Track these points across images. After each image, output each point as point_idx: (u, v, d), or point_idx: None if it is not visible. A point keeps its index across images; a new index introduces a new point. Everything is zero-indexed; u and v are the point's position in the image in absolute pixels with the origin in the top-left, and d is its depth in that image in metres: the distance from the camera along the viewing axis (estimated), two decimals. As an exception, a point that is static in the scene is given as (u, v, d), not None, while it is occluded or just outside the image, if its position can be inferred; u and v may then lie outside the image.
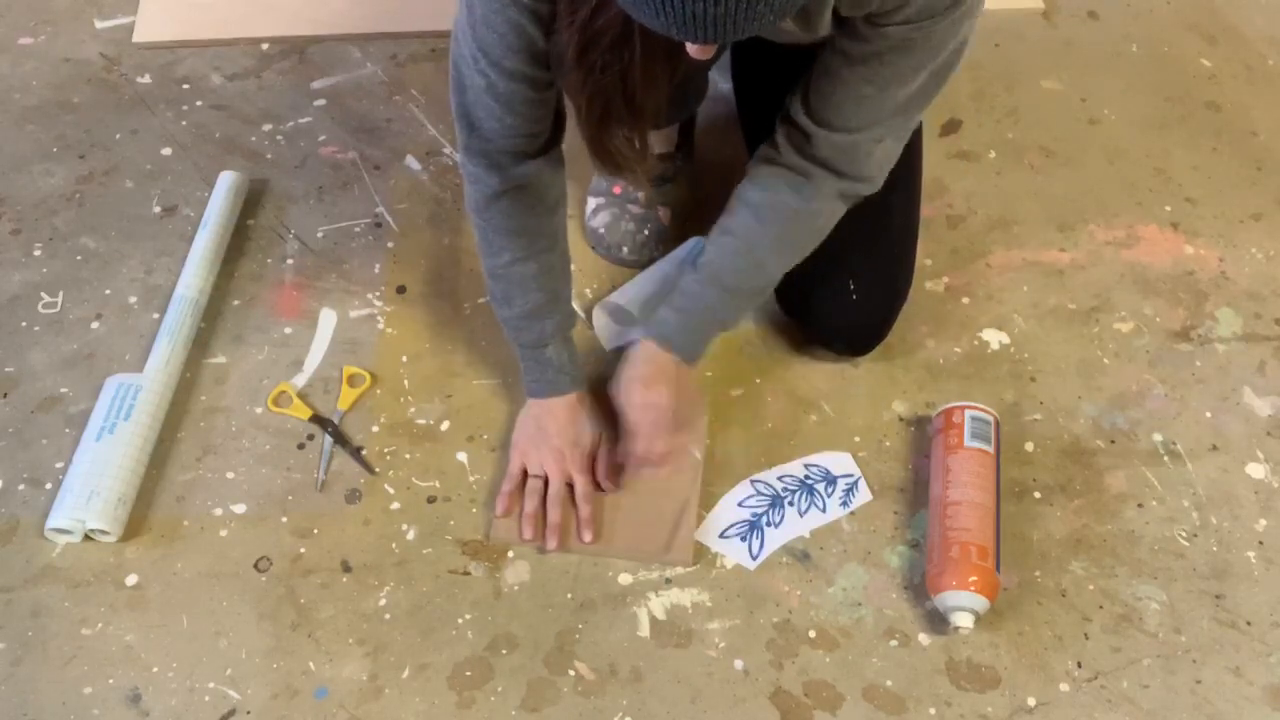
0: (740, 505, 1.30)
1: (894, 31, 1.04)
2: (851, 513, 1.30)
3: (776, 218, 1.21)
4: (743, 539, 1.28)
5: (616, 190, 1.51)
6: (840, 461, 1.34)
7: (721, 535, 1.28)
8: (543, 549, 1.25)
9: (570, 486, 1.29)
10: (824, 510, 1.30)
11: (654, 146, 1.10)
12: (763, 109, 1.42)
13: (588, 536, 1.25)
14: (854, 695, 1.18)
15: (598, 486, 1.29)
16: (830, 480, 1.33)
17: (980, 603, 1.18)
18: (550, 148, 1.21)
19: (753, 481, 1.32)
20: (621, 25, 0.93)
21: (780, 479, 1.33)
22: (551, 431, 1.28)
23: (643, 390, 1.24)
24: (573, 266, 1.33)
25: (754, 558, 1.27)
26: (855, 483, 1.32)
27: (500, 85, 1.10)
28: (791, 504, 1.31)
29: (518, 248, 1.24)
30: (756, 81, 1.44)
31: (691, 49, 0.88)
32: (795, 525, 1.29)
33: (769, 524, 1.29)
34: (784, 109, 1.19)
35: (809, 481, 1.33)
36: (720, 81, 1.64)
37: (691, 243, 1.49)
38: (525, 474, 1.29)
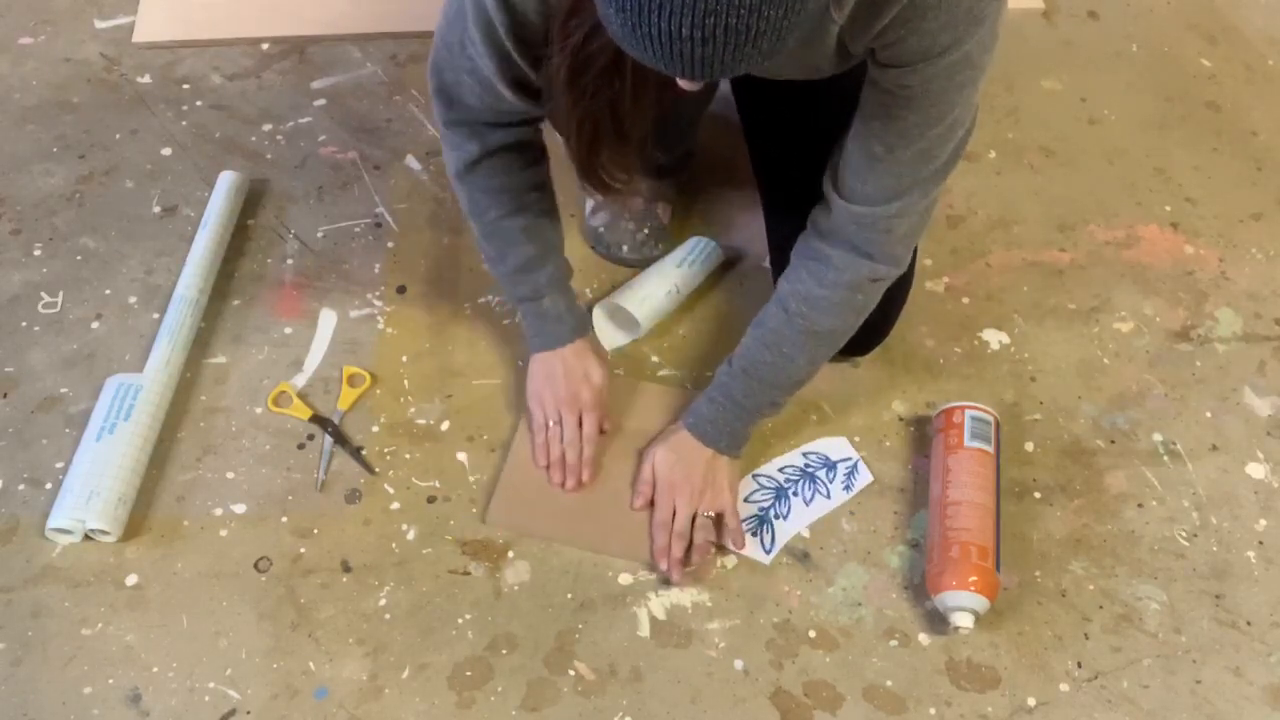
0: (746, 501, 1.31)
1: (893, 75, 1.02)
2: (852, 513, 1.30)
3: (801, 309, 1.21)
4: (754, 534, 1.28)
5: (616, 188, 1.51)
6: (837, 446, 1.35)
7: None
8: (564, 488, 1.28)
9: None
10: (829, 496, 1.31)
11: (640, 174, 1.10)
12: (768, 130, 1.42)
13: (585, 475, 1.27)
14: (854, 695, 1.18)
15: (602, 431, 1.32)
16: (830, 466, 1.33)
17: (980, 603, 1.18)
18: (531, 119, 1.20)
19: (755, 476, 1.33)
20: (614, 52, 0.93)
21: (781, 470, 1.33)
22: (559, 375, 1.30)
23: (661, 462, 1.29)
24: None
25: (767, 552, 1.27)
26: (855, 465, 1.33)
27: (485, 69, 1.10)
28: (796, 494, 1.31)
29: (503, 204, 1.24)
30: (762, 111, 1.43)
31: (681, 82, 0.88)
32: (803, 515, 1.29)
33: (777, 516, 1.29)
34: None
35: (809, 469, 1.33)
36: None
37: (691, 242, 1.49)
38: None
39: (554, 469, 1.29)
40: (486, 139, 1.19)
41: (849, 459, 1.34)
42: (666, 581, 1.24)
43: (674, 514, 1.25)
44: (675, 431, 1.30)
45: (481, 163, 1.21)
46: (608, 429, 1.32)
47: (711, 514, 1.26)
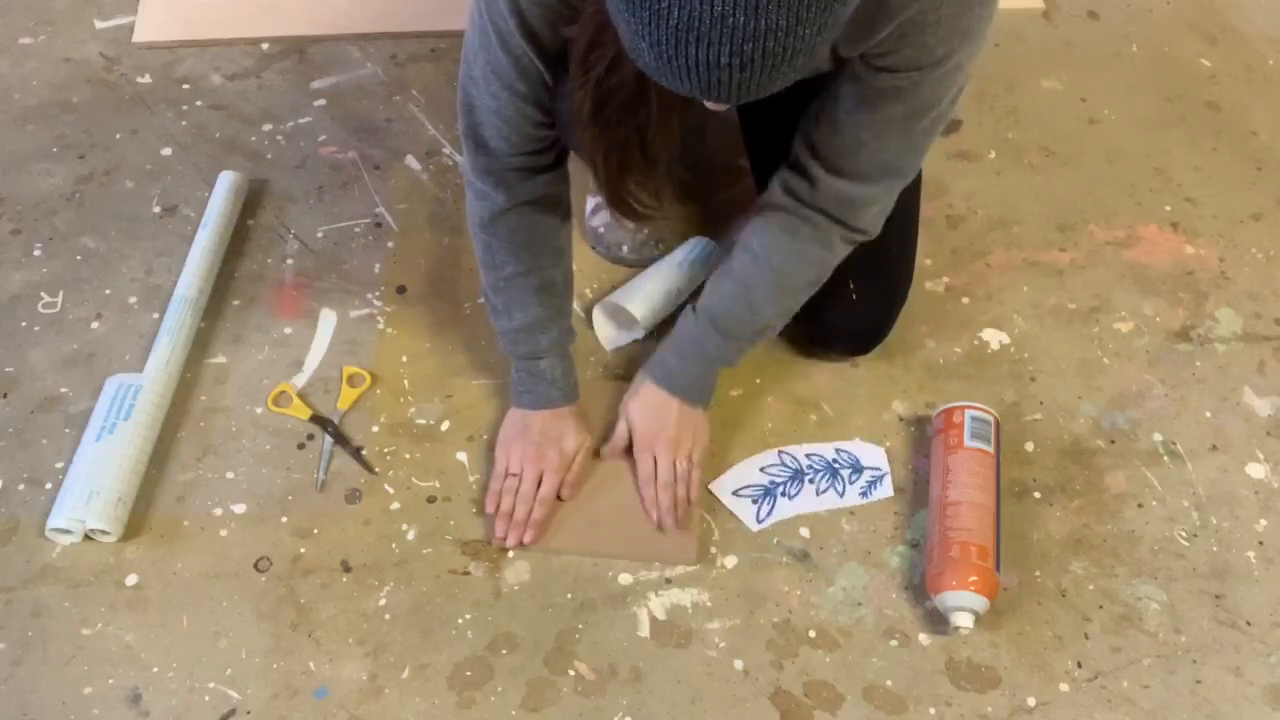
0: (761, 470, 1.32)
1: (885, 78, 1.04)
2: (852, 513, 1.30)
3: (774, 262, 1.22)
4: (754, 501, 1.29)
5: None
6: (872, 454, 1.35)
7: (735, 493, 1.29)
8: (502, 545, 1.25)
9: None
10: (842, 495, 1.31)
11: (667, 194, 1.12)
12: (767, 130, 1.42)
13: (528, 537, 1.25)
14: (854, 695, 1.18)
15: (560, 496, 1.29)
16: (857, 469, 1.33)
17: (980, 603, 1.18)
18: (558, 164, 1.21)
19: (780, 452, 1.34)
20: (636, 81, 0.93)
21: (808, 455, 1.34)
22: (534, 431, 1.29)
23: (636, 417, 1.29)
24: (573, 266, 1.33)
25: (759, 521, 1.28)
26: (881, 477, 1.33)
27: (510, 109, 1.11)
28: (812, 481, 1.32)
29: (520, 262, 1.24)
30: (760, 112, 1.43)
31: (709, 104, 0.88)
32: (809, 502, 1.30)
33: (784, 494, 1.30)
34: (790, 156, 1.20)
35: (835, 465, 1.33)
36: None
37: (691, 243, 1.49)
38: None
39: (500, 520, 1.26)
40: (514, 190, 1.19)
41: (878, 470, 1.33)
42: (668, 581, 1.24)
43: (655, 466, 1.27)
44: (643, 384, 1.30)
45: (508, 214, 1.21)
46: (566, 496, 1.28)
47: (689, 464, 1.28)
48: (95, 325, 1.44)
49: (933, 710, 1.17)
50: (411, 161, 1.63)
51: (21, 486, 1.29)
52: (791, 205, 1.19)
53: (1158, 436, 1.38)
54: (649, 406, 1.29)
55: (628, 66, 0.88)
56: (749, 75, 0.78)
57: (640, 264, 1.49)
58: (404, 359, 1.42)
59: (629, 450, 1.30)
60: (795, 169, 1.19)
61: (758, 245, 1.22)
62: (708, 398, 1.31)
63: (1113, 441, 1.37)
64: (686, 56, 0.77)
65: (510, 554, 1.26)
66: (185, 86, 1.71)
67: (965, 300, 1.50)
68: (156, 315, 1.43)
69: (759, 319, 1.26)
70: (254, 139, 1.65)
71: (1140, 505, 1.32)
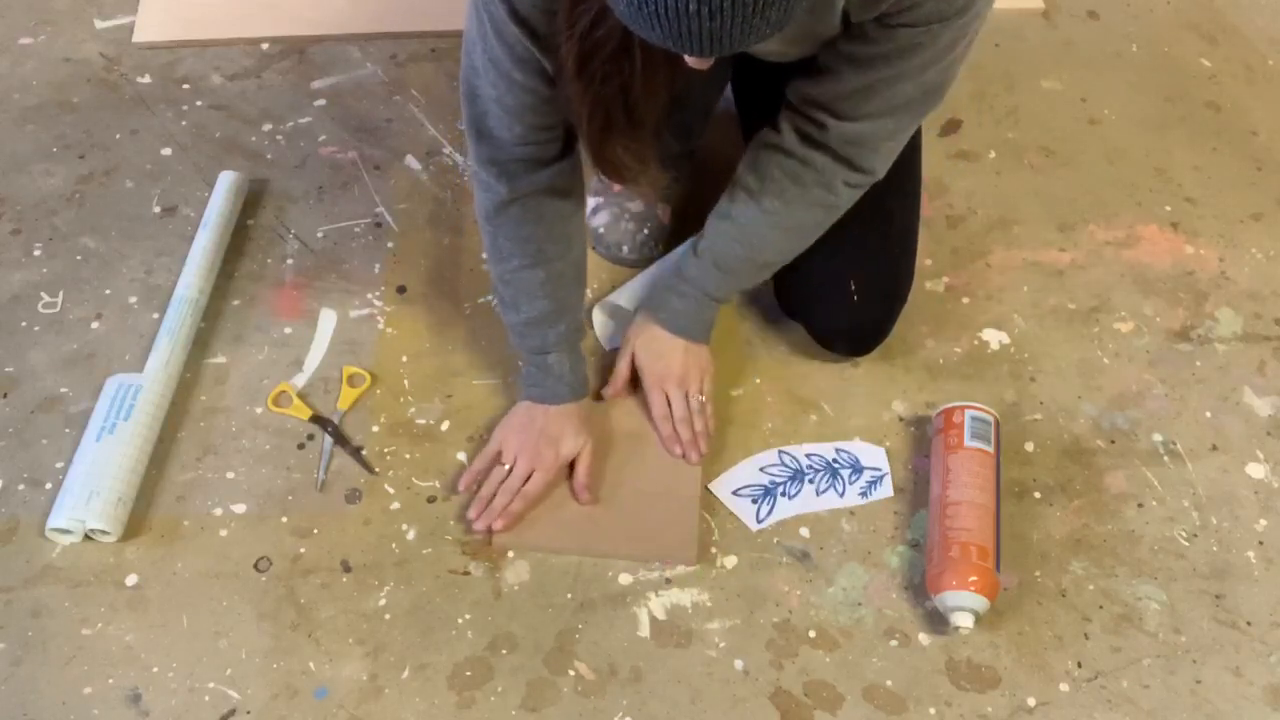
0: (761, 470, 1.32)
1: (902, 34, 1.04)
2: (852, 513, 1.30)
3: (778, 208, 1.22)
4: (754, 501, 1.30)
5: (616, 189, 1.51)
6: (872, 454, 1.35)
7: (734, 492, 1.30)
8: (469, 529, 1.26)
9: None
10: (841, 495, 1.31)
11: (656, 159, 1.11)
12: (764, 117, 1.43)
13: (498, 524, 1.25)
14: (854, 695, 1.18)
15: (577, 496, 1.29)
16: (857, 469, 1.33)
17: (980, 603, 1.18)
18: (564, 156, 1.20)
19: (780, 452, 1.34)
20: (621, 35, 0.93)
21: (808, 455, 1.34)
22: (536, 427, 1.29)
23: (643, 357, 1.33)
24: (586, 259, 1.32)
25: (759, 521, 1.28)
26: (881, 478, 1.33)
27: (510, 98, 1.10)
28: (812, 481, 1.32)
29: (526, 254, 1.24)
30: (758, 95, 1.43)
31: (689, 60, 0.88)
32: (809, 502, 1.30)
33: (784, 494, 1.31)
34: (787, 97, 1.19)
35: (835, 465, 1.33)
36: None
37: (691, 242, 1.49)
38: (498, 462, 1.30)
39: (475, 504, 1.26)
40: (517, 182, 1.19)
41: (878, 470, 1.33)
42: (668, 580, 1.24)
43: (669, 404, 1.30)
44: (647, 328, 1.33)
45: (511, 206, 1.20)
46: (584, 501, 1.28)
47: (702, 398, 1.31)
48: (95, 325, 1.44)
49: (933, 710, 1.17)
50: (411, 161, 1.63)
51: (21, 486, 1.29)
52: (796, 146, 1.19)
53: (1158, 436, 1.38)
54: (654, 347, 1.32)
55: (613, 20, 0.88)
56: (719, 24, 0.78)
57: (640, 264, 1.49)
58: (404, 359, 1.42)
59: (634, 386, 1.34)
60: (798, 112, 1.18)
61: (759, 188, 1.23)
62: (709, 333, 1.34)
63: (1113, 441, 1.37)
64: (657, 2, 0.77)
65: (510, 554, 1.26)
66: (185, 86, 1.71)
67: (965, 300, 1.50)
68: (156, 315, 1.43)
69: (762, 258, 1.30)
70: (254, 139, 1.65)
71: (1140, 505, 1.32)
